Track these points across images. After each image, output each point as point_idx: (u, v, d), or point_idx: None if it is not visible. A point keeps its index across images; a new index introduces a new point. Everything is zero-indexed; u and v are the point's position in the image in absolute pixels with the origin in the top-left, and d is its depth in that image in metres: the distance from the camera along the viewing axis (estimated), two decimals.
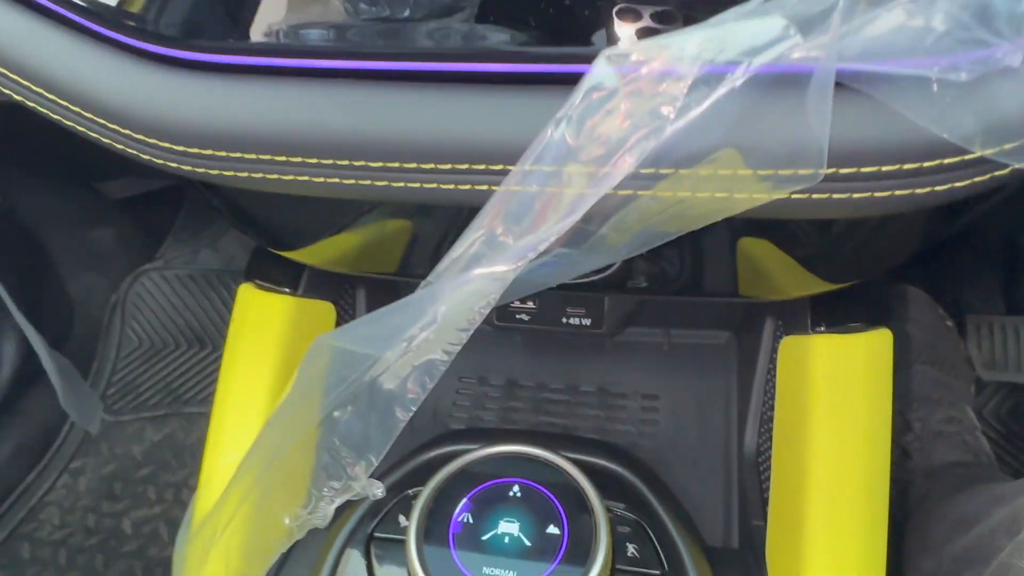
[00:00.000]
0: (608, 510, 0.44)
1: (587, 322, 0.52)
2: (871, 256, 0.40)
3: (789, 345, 0.48)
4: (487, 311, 0.30)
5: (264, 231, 0.46)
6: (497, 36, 0.34)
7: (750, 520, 0.49)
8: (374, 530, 0.44)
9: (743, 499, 0.51)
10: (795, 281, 0.41)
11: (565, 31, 0.35)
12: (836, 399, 0.43)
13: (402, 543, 0.40)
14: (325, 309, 0.53)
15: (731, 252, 0.41)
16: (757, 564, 0.45)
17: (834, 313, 0.46)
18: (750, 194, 0.29)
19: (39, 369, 0.96)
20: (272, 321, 0.50)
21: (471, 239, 0.30)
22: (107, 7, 0.35)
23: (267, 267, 0.52)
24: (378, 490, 0.33)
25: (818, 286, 0.42)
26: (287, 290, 0.52)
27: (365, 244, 0.45)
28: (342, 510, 0.49)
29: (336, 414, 0.31)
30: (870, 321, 0.45)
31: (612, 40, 0.32)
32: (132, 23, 0.35)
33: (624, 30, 0.33)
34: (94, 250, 1.17)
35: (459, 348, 0.30)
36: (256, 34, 0.36)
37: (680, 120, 0.29)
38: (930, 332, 0.86)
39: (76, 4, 0.35)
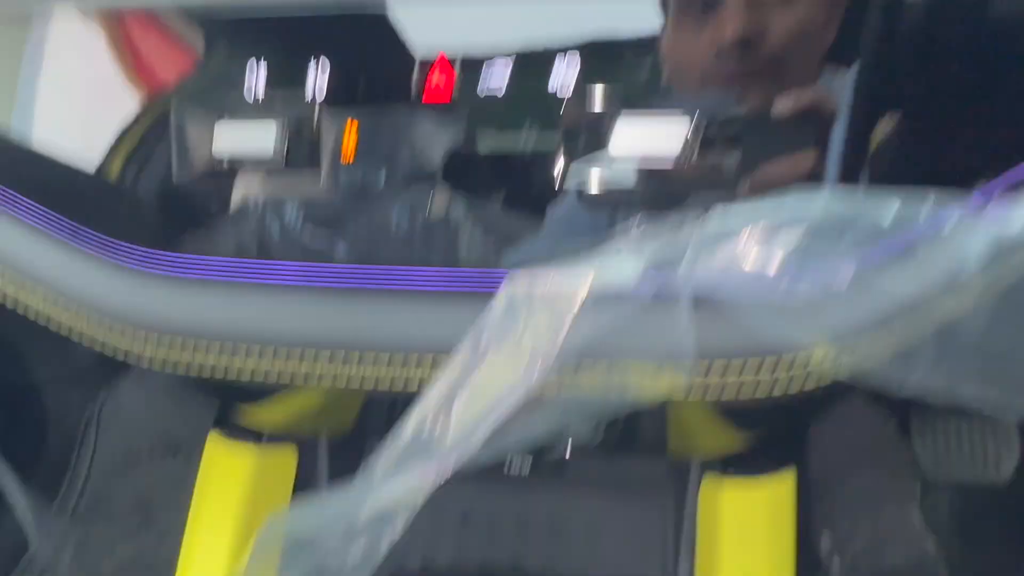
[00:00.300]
0: None
1: (526, 471, 0.57)
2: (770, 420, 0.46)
3: (707, 488, 0.53)
4: (418, 503, 0.35)
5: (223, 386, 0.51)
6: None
7: None
8: None
9: None
10: (713, 441, 0.47)
11: (521, 199, 0.42)
12: (740, 536, 0.48)
13: None
14: (287, 454, 0.57)
15: (657, 418, 0.46)
16: None
17: (742, 460, 0.52)
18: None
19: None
20: (236, 475, 0.55)
21: (404, 435, 0.36)
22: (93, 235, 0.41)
23: (231, 417, 0.57)
24: None
25: (735, 445, 0.48)
26: (250, 440, 0.56)
27: (321, 408, 0.50)
28: None
29: None
30: (777, 463, 0.51)
31: None
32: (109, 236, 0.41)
33: None
34: (77, 373, 1.19)
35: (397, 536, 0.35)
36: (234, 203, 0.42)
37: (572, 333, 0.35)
38: (872, 432, 0.90)
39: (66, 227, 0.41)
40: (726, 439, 0.48)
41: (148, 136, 0.45)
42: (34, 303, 0.42)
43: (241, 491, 0.53)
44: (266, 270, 0.39)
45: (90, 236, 0.41)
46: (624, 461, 0.65)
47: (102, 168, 0.45)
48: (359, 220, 0.43)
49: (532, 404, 0.36)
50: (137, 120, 0.45)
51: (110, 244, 0.41)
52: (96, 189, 0.47)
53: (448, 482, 0.68)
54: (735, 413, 0.44)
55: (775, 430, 0.49)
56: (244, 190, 0.44)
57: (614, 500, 0.64)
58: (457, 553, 0.63)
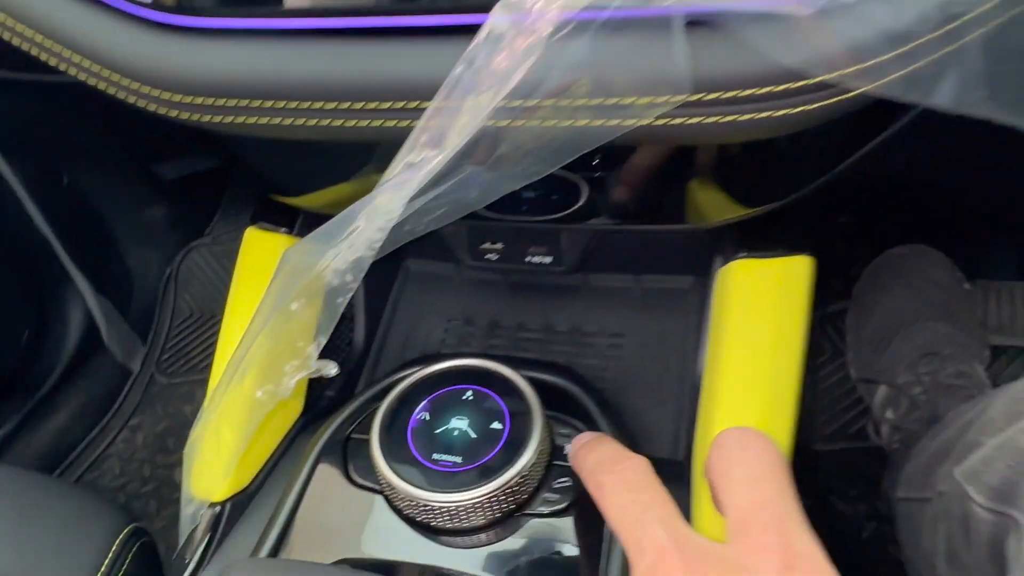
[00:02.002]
0: (548, 415, 0.50)
1: (548, 260, 0.58)
2: (774, 180, 0.44)
3: (722, 273, 0.52)
4: (396, 215, 0.36)
5: (263, 176, 0.54)
6: None
7: (692, 436, 0.53)
8: (351, 433, 0.51)
9: (690, 419, 0.56)
10: (720, 205, 0.46)
11: None
12: (747, 316, 0.47)
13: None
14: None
15: (666, 180, 0.45)
16: (688, 469, 0.50)
17: (756, 240, 0.50)
18: (621, 120, 0.35)
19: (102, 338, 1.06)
20: (270, 257, 0.58)
21: (393, 165, 0.37)
22: None
23: (269, 212, 0.60)
24: (332, 369, 0.40)
25: (742, 210, 0.47)
26: (284, 230, 0.60)
27: (349, 190, 0.52)
28: (323, 417, 0.56)
29: (293, 307, 0.38)
30: (790, 247, 0.49)
31: None
32: None
33: None
34: (149, 227, 1.26)
35: (380, 243, 0.37)
36: None
37: (554, 56, 0.34)
38: (946, 292, 0.87)
39: None
40: (743, 199, 0.46)
41: None
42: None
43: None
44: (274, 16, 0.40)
45: None
46: (646, 276, 0.66)
47: None
48: None
49: (499, 139, 0.36)
50: None
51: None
52: None
53: (479, 296, 0.72)
54: (745, 164, 0.43)
55: (792, 211, 0.47)
56: None
57: (638, 310, 0.65)
58: (485, 352, 0.66)
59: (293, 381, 0.40)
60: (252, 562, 0.35)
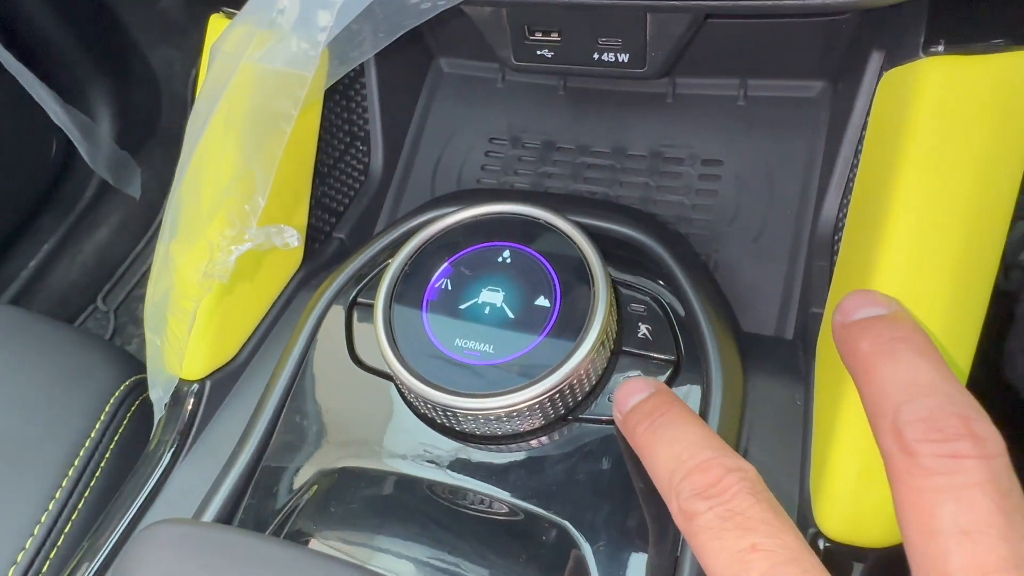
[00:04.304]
0: (617, 283, 0.36)
1: (625, 58, 0.40)
2: None
3: (892, 79, 0.34)
4: None
5: None
6: None
7: (810, 307, 0.39)
8: (357, 295, 0.40)
9: (807, 282, 0.41)
10: None
11: None
12: (939, 139, 0.29)
13: None
14: None
15: None
16: (807, 355, 0.37)
17: (957, 25, 0.31)
18: None
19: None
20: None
21: None
22: None
23: None
24: (291, 239, 0.27)
25: None
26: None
27: None
28: (328, 268, 0.45)
29: (216, 138, 0.24)
30: (1011, 37, 0.30)
31: None
32: None
33: None
34: (164, 20, 1.14)
35: (328, 27, 0.21)
36: None
37: None
38: None
39: None
40: None
41: None
42: None
43: None
44: None
45: None
46: (761, 81, 0.47)
47: None
48: None
49: None
50: None
51: None
52: None
53: (530, 107, 0.56)
54: None
55: None
56: None
57: (743, 127, 0.48)
58: (537, 182, 0.51)
59: (231, 259, 0.27)
60: (168, 527, 0.26)
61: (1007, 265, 0.69)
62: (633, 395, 0.27)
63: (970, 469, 0.19)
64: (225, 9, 0.42)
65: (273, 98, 0.22)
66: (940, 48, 0.31)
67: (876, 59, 0.38)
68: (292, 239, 0.27)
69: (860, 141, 0.37)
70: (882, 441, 0.20)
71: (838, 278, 0.35)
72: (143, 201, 1.15)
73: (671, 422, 0.25)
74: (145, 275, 1.18)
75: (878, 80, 0.36)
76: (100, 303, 1.16)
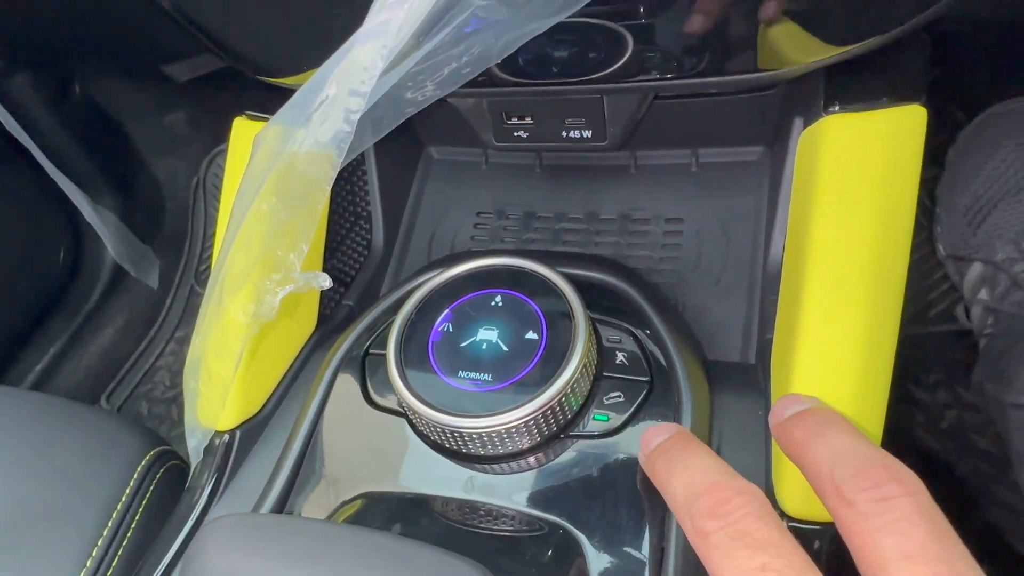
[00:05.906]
0: (594, 318, 0.42)
1: (588, 134, 0.48)
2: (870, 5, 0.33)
3: (806, 137, 0.41)
4: (377, 71, 0.27)
5: (245, 54, 0.45)
6: None
7: (766, 334, 0.45)
8: (369, 347, 0.45)
9: (763, 314, 0.47)
10: (804, 42, 0.35)
11: None
12: (840, 182, 0.37)
13: None
14: None
15: (735, 10, 0.35)
16: (766, 374, 0.42)
17: (850, 88, 0.39)
18: None
19: None
20: None
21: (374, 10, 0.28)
22: None
23: (256, 98, 0.51)
24: (324, 281, 0.33)
25: (832, 49, 0.36)
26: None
27: None
28: (340, 330, 0.50)
29: (263, 206, 0.30)
30: (894, 96, 0.38)
31: None
32: None
33: None
34: (171, 133, 1.22)
35: (360, 113, 0.28)
36: None
37: None
38: None
39: None
40: (835, 31, 0.35)
41: None
42: None
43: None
44: None
45: None
46: (706, 150, 0.55)
47: None
48: None
49: None
50: None
51: None
52: None
53: (511, 183, 0.63)
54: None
55: (897, 51, 0.36)
56: None
57: (697, 189, 0.55)
58: (521, 247, 0.58)
59: (277, 299, 0.33)
60: (234, 518, 0.30)
61: (967, 304, 0.74)
62: (656, 437, 0.31)
63: (901, 506, 0.23)
64: (249, 113, 0.50)
65: (312, 167, 0.29)
66: (836, 108, 0.39)
67: (798, 123, 0.45)
68: (325, 282, 0.33)
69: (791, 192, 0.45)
70: (827, 503, 0.25)
71: (781, 308, 0.42)
72: (146, 302, 1.20)
73: (686, 454, 0.29)
74: (148, 373, 1.21)
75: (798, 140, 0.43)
76: (104, 402, 1.18)
